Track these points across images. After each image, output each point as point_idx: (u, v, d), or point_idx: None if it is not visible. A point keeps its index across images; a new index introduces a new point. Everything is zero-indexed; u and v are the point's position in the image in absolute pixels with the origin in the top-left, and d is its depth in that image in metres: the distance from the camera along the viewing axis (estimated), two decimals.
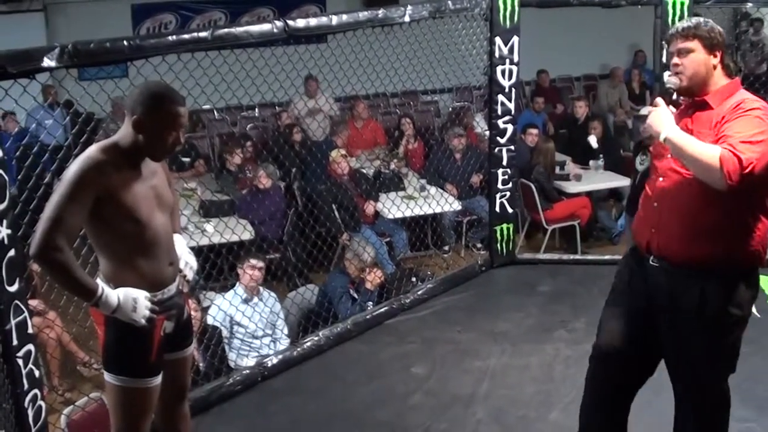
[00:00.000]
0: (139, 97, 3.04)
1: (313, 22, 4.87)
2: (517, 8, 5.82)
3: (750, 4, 6.15)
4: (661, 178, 3.24)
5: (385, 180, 8.74)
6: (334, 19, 4.96)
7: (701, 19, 3.24)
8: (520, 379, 4.72)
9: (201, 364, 5.23)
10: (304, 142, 9.61)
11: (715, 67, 3.19)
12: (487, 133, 6.25)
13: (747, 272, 3.21)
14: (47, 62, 3.58)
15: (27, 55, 3.53)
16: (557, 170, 8.91)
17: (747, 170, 2.90)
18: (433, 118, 12.04)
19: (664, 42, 3.17)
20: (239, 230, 6.99)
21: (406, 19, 5.34)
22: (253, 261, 5.82)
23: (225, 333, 5.74)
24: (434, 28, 5.83)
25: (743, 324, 3.29)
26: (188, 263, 3.44)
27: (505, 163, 6.05)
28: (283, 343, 5.80)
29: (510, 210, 6.23)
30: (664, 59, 5.74)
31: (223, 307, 5.76)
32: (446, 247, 8.57)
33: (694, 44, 3.19)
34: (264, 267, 5.92)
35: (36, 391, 3.63)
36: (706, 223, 3.12)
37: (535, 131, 9.18)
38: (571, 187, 8.63)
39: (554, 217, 8.38)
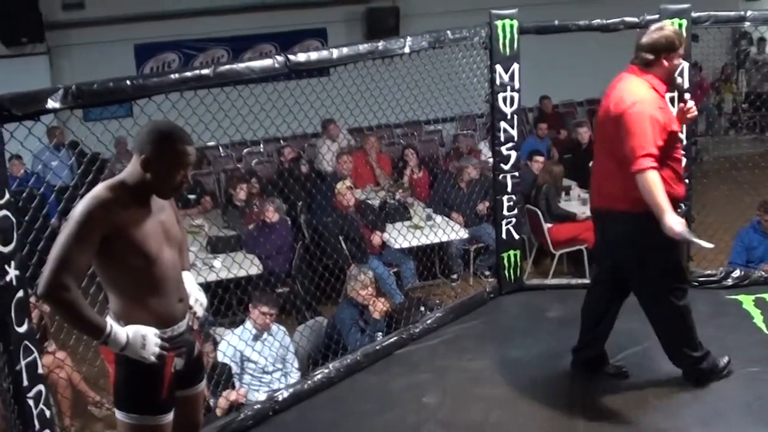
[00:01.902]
0: (147, 136, 3.06)
1: (313, 56, 4.90)
2: (516, 36, 5.85)
3: (748, 23, 6.17)
4: None
5: (391, 210, 8.76)
6: (335, 53, 4.99)
7: None
8: (532, 405, 4.70)
9: (211, 401, 5.22)
10: (309, 175, 9.66)
11: None
12: (491, 160, 6.26)
13: None
14: (51, 104, 3.60)
15: (31, 97, 3.56)
16: (563, 196, 8.95)
17: None
18: (437, 147, 12.10)
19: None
20: (247, 265, 7.00)
21: (406, 50, 5.37)
22: (265, 308, 5.80)
23: (236, 369, 5.74)
24: (434, 58, 5.85)
25: None
26: (198, 300, 3.44)
27: (510, 189, 6.06)
28: (294, 376, 5.79)
29: (517, 236, 6.22)
30: None
31: (233, 343, 5.76)
32: (454, 276, 8.57)
33: None
34: (275, 314, 5.91)
35: (47, 431, 3.63)
36: None
37: (541, 159, 9.24)
38: (578, 209, 8.64)
39: (559, 238, 8.39)
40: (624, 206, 4.32)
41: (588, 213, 8.52)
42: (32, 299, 3.77)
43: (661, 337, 4.65)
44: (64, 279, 2.86)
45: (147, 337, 3.03)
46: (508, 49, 5.85)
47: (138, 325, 3.05)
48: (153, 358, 3.05)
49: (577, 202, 8.91)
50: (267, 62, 4.65)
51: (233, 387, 5.49)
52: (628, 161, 4.16)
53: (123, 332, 3.00)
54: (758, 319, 5.47)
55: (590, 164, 9.20)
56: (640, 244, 4.37)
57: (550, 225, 8.42)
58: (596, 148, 4.68)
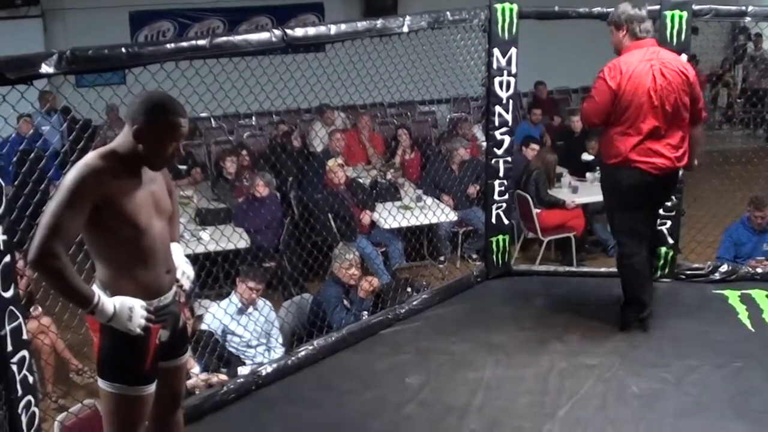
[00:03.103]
0: (140, 106, 3.02)
1: (311, 31, 4.87)
2: (515, 20, 5.82)
3: (748, 18, 6.16)
4: None
5: (382, 190, 8.74)
6: (333, 29, 4.96)
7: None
8: (515, 390, 4.71)
9: (194, 370, 5.21)
10: (301, 150, 9.62)
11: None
12: (484, 144, 6.24)
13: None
14: (45, 68, 3.56)
15: (25, 61, 3.51)
16: (555, 184, 8.94)
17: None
18: (430, 128, 12.06)
19: None
20: (235, 238, 6.98)
21: (405, 29, 5.34)
22: (252, 283, 5.79)
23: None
24: (432, 39, 5.82)
25: None
26: (185, 272, 3.44)
27: (501, 174, 6.05)
28: (278, 351, 5.79)
29: (506, 221, 6.22)
30: None
31: (218, 316, 5.74)
32: (442, 258, 8.57)
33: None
34: (261, 289, 5.91)
35: (30, 397, 3.62)
36: None
37: (536, 146, 9.23)
38: (567, 197, 8.64)
39: (547, 224, 8.40)
40: (686, 159, 5.21)
41: (577, 201, 8.62)
42: (20, 264, 3.75)
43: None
44: (54, 247, 2.84)
45: (134, 309, 3.02)
46: (506, 33, 5.83)
47: (125, 297, 3.03)
48: (138, 330, 3.04)
49: (567, 190, 8.90)
50: (264, 35, 4.61)
51: (220, 359, 5.48)
52: (700, 113, 5.21)
53: (110, 303, 2.99)
54: (743, 315, 5.50)
55: (582, 155, 9.29)
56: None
57: (538, 211, 8.43)
58: (664, 116, 5.04)
